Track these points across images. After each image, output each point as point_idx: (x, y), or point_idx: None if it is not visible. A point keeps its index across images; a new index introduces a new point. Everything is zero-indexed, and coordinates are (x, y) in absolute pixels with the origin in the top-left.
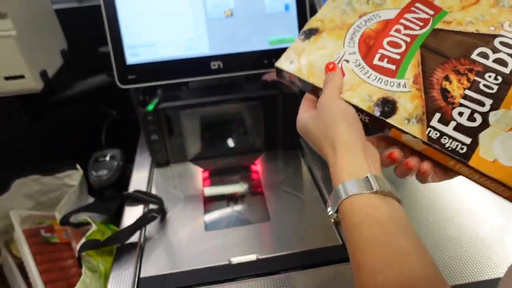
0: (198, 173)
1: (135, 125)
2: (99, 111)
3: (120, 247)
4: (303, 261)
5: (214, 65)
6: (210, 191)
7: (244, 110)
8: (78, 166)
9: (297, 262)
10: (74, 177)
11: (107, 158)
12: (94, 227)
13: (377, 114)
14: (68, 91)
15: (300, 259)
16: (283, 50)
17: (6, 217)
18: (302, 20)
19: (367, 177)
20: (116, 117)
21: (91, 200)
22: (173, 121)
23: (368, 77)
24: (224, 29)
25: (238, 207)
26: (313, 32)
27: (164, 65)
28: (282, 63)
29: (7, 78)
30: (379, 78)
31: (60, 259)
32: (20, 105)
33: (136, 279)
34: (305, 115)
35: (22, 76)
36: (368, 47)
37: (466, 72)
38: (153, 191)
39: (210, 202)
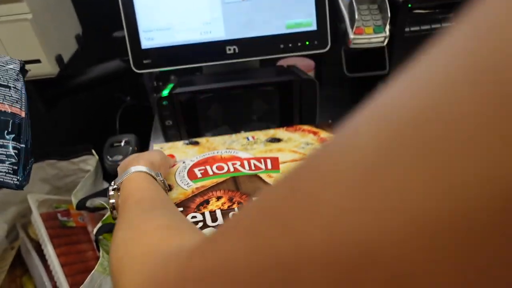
0: None
1: (148, 111)
2: (113, 97)
3: None
4: None
5: (230, 49)
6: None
7: (259, 96)
8: (93, 151)
9: None
10: (89, 162)
11: (122, 143)
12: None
13: None
14: (82, 77)
15: None
16: (300, 34)
17: (24, 201)
18: (320, 3)
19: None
20: (130, 102)
21: (106, 185)
22: (188, 107)
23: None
24: (240, 13)
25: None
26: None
27: (179, 50)
28: None
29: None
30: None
31: (76, 242)
32: (35, 90)
33: None
34: None
35: (38, 61)
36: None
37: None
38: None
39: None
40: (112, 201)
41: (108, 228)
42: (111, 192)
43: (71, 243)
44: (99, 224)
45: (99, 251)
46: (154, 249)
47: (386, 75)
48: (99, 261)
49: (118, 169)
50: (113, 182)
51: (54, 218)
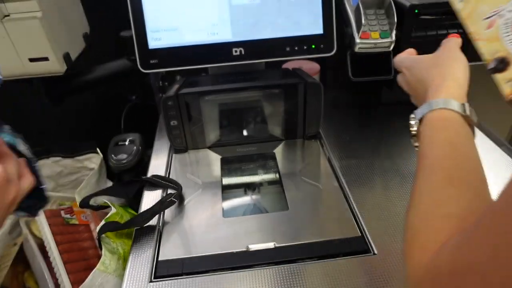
0: (216, 160)
1: (154, 110)
2: (119, 96)
3: (139, 230)
4: (321, 251)
5: (236, 51)
6: (228, 178)
7: (264, 98)
8: (98, 150)
9: (314, 252)
10: (94, 160)
11: (127, 142)
12: (113, 210)
13: (489, 67)
14: (89, 75)
15: (317, 249)
16: (306, 37)
17: None
18: (326, 7)
19: (463, 104)
20: (135, 102)
21: (109, 183)
22: (193, 107)
23: (506, 36)
24: (247, 16)
25: (256, 196)
26: None
27: (186, 50)
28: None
29: (31, 60)
30: None
31: (79, 240)
32: (42, 87)
33: (155, 262)
34: (412, 55)
35: (46, 58)
36: None
37: None
38: (171, 177)
39: (228, 190)
40: (413, 128)
41: (112, 226)
42: (412, 122)
43: (74, 240)
44: (102, 222)
45: (101, 249)
46: (435, 239)
47: (391, 80)
48: (101, 260)
49: (416, 82)
50: (413, 114)
51: (58, 216)
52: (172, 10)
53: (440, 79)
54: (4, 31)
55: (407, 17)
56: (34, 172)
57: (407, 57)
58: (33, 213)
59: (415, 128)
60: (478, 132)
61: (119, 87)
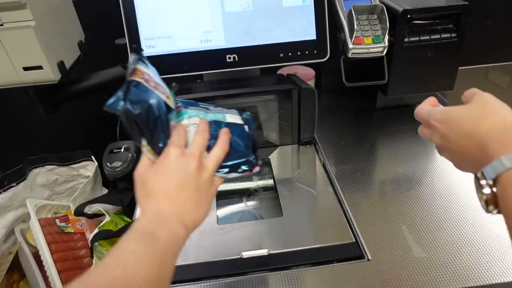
0: None
1: None
2: None
3: None
4: (315, 258)
5: (230, 58)
6: (223, 185)
7: (259, 104)
8: (93, 157)
9: (309, 258)
10: (89, 168)
11: (122, 150)
12: (107, 218)
13: None
14: (84, 83)
15: (312, 255)
16: (299, 43)
17: (23, 206)
18: (319, 13)
19: None
20: None
21: (105, 191)
22: None
23: None
24: (240, 22)
25: (251, 202)
26: None
27: (179, 57)
28: None
29: (25, 69)
30: None
31: (74, 248)
32: (36, 95)
33: None
34: (435, 106)
35: (40, 67)
36: None
37: None
38: None
39: (223, 196)
40: (487, 192)
41: (105, 235)
42: (482, 182)
43: (69, 249)
44: (96, 230)
45: (92, 257)
46: None
47: (385, 84)
48: (90, 269)
49: (461, 138)
50: (482, 175)
51: (53, 224)
52: (165, 17)
53: (498, 132)
54: None
55: (400, 22)
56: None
57: (435, 110)
58: (250, 169)
59: (488, 191)
60: None
61: (115, 94)
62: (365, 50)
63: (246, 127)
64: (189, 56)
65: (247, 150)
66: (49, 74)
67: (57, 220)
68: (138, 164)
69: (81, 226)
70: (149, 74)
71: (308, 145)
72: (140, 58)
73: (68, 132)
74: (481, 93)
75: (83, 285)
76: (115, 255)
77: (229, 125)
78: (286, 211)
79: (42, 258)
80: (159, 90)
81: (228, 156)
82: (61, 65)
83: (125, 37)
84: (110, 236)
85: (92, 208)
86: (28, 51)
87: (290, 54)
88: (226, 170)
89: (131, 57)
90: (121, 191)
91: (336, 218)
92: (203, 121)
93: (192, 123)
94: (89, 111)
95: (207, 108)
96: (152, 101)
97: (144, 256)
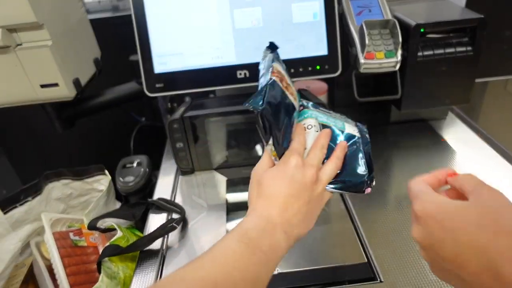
0: (222, 181)
1: (162, 131)
2: (128, 118)
3: (143, 254)
4: (325, 278)
5: (241, 74)
6: (234, 200)
7: None
8: (106, 172)
9: (319, 278)
10: (102, 182)
11: (134, 165)
12: (119, 233)
13: None
14: (99, 98)
15: (322, 275)
16: (310, 59)
17: (38, 220)
18: (330, 28)
19: None
20: (145, 123)
21: (118, 205)
22: (199, 130)
23: None
24: (250, 39)
25: None
26: None
27: (191, 74)
28: None
29: (42, 86)
30: None
31: (86, 262)
32: (53, 111)
33: None
34: (432, 185)
35: (56, 84)
36: None
37: None
38: (177, 199)
39: (233, 212)
40: None
41: (113, 251)
42: None
43: (82, 263)
44: (107, 244)
45: (100, 273)
46: None
47: (399, 99)
48: (96, 285)
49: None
50: None
51: (66, 237)
52: (177, 35)
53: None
54: (16, 59)
55: (413, 36)
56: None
57: (427, 195)
58: (362, 190)
59: None
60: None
61: (129, 109)
62: (377, 65)
63: (364, 141)
64: (200, 72)
65: (363, 169)
66: (65, 91)
67: (71, 234)
68: (258, 162)
69: (94, 240)
70: (282, 73)
71: None
72: (277, 56)
73: (83, 147)
74: (486, 189)
75: (179, 279)
76: (215, 252)
77: (348, 136)
78: None
79: (55, 271)
80: (289, 91)
81: (343, 172)
82: (76, 82)
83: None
84: (118, 253)
85: (105, 223)
86: (45, 69)
87: (301, 69)
88: (338, 185)
89: (267, 53)
90: (133, 206)
91: (347, 236)
92: (326, 134)
93: (312, 124)
94: (104, 126)
95: (328, 112)
96: (285, 103)
97: (242, 259)
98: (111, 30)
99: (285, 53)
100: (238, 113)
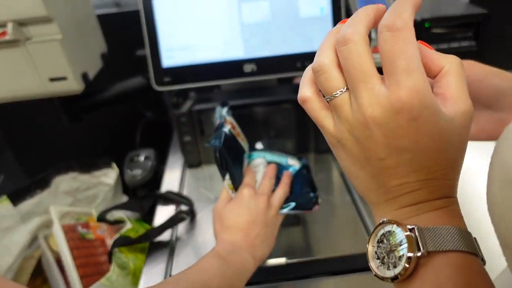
0: None
1: (168, 126)
2: (135, 112)
3: (153, 245)
4: (333, 267)
5: (248, 68)
6: None
7: (276, 113)
8: (114, 165)
9: (326, 268)
10: (110, 175)
11: (142, 158)
12: (129, 225)
13: None
14: (106, 93)
15: (330, 265)
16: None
17: (46, 213)
18: (337, 22)
19: None
20: (151, 117)
21: (125, 198)
22: (206, 123)
23: None
24: (258, 33)
25: None
26: None
27: (199, 68)
28: None
29: (51, 80)
30: None
31: (94, 254)
32: (61, 105)
33: (168, 275)
34: None
35: (64, 78)
36: None
37: None
38: (185, 192)
39: None
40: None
41: (124, 241)
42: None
43: (90, 255)
44: (116, 235)
45: (111, 263)
46: None
47: None
48: (107, 275)
49: None
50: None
51: (74, 230)
52: (185, 29)
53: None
54: (26, 53)
55: (418, 31)
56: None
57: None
58: (309, 208)
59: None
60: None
61: (135, 104)
62: None
63: (305, 170)
64: (208, 66)
65: (306, 191)
66: (74, 85)
67: (78, 227)
68: (218, 199)
69: (101, 233)
70: (233, 123)
71: (325, 154)
72: (228, 110)
73: (91, 141)
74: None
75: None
76: (196, 268)
77: (291, 167)
78: (303, 220)
79: (64, 263)
80: (240, 137)
81: (292, 196)
82: (84, 76)
83: (144, 48)
84: (129, 243)
85: (114, 215)
86: (54, 63)
87: (307, 63)
88: (290, 207)
89: (220, 108)
90: (141, 199)
91: (354, 227)
92: (272, 167)
93: (261, 162)
94: (111, 120)
95: (271, 152)
96: (237, 145)
97: (218, 272)
98: (114, 26)
99: (292, 47)
100: (245, 106)
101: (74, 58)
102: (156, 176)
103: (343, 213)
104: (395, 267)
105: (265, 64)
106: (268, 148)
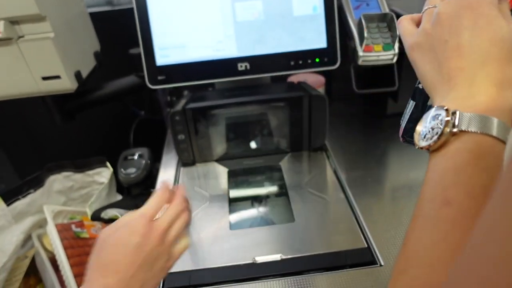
0: (223, 173)
1: (161, 125)
2: (128, 111)
3: None
4: (327, 263)
5: (241, 66)
6: (235, 191)
7: (270, 111)
8: (108, 164)
9: (321, 263)
10: (103, 174)
11: (136, 157)
12: None
13: None
14: (99, 91)
15: (324, 260)
16: (310, 52)
17: (40, 212)
18: (330, 21)
19: None
20: (144, 116)
21: (119, 197)
22: (200, 122)
23: None
24: (251, 31)
25: (262, 208)
26: None
27: (192, 66)
28: None
29: (44, 78)
30: None
31: (89, 253)
32: (54, 104)
33: None
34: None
35: (58, 77)
36: None
37: None
38: None
39: (235, 202)
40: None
41: None
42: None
43: (84, 254)
44: None
45: None
46: None
47: (395, 91)
48: None
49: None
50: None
51: (68, 229)
52: (178, 28)
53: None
54: (19, 51)
55: None
56: None
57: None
58: None
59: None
60: None
61: (128, 102)
62: (375, 58)
63: None
64: (202, 65)
65: None
66: (67, 84)
67: (72, 226)
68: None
69: (96, 232)
70: None
71: (319, 152)
72: None
73: (84, 140)
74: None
75: None
76: None
77: None
78: (297, 216)
79: (58, 262)
80: None
81: None
82: (78, 74)
83: (138, 47)
84: None
85: (108, 214)
86: (47, 62)
87: (301, 62)
88: None
89: None
90: (136, 197)
91: (348, 223)
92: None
93: None
94: (104, 119)
95: None
96: None
97: None
98: (107, 24)
99: (285, 46)
100: (239, 104)
101: (67, 56)
102: (151, 174)
103: (336, 210)
104: (431, 139)
105: (259, 62)
106: (262, 146)
